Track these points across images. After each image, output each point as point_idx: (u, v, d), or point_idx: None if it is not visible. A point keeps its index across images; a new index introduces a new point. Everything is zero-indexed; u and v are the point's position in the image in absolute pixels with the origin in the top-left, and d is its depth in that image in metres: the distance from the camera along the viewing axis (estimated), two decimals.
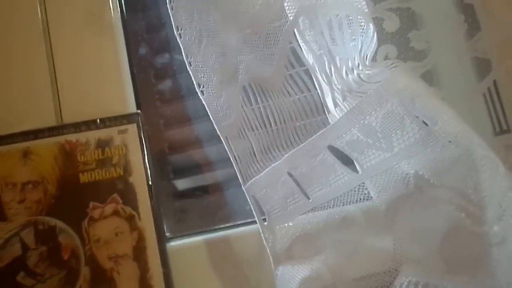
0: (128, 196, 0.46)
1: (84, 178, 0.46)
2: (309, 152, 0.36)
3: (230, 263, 0.49)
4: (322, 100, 0.39)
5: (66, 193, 0.46)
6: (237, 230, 0.51)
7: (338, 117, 0.35)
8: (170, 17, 0.42)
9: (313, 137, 0.36)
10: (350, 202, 0.38)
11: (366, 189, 0.38)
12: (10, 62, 0.50)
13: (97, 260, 0.44)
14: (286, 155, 0.38)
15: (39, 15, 0.50)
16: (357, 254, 0.37)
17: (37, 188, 0.46)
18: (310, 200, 0.38)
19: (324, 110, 0.41)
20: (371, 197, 0.38)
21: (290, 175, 0.39)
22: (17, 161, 0.47)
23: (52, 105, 0.50)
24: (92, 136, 0.48)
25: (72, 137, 0.48)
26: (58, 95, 0.51)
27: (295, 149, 0.37)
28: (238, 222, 0.53)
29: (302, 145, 0.37)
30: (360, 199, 0.38)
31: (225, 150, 0.47)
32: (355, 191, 0.38)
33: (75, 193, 0.46)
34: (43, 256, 0.44)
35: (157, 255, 0.45)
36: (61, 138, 0.48)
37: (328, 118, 0.40)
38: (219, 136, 0.47)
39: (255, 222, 0.48)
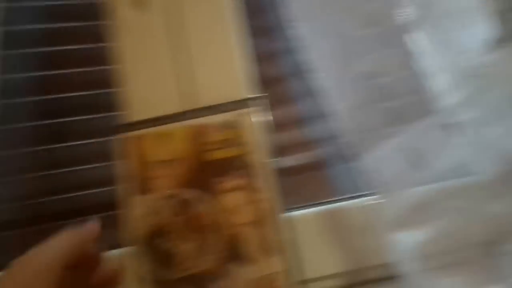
0: (251, 172, 0.52)
1: (211, 156, 0.53)
2: (426, 128, 0.40)
3: (339, 233, 0.55)
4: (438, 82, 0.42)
5: (198, 169, 0.53)
6: (345, 204, 0.56)
7: (456, 98, 0.39)
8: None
9: (432, 114, 0.39)
10: (464, 174, 0.41)
11: (480, 161, 0.41)
12: (148, 56, 0.58)
13: (225, 227, 0.51)
14: (402, 130, 0.42)
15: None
16: (472, 220, 0.40)
17: (174, 165, 0.54)
18: (423, 172, 0.42)
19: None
20: (485, 169, 0.41)
21: (405, 149, 0.43)
22: (157, 142, 0.55)
23: (184, 92, 0.58)
24: (219, 119, 0.55)
25: (201, 120, 0.55)
26: (189, 83, 0.58)
27: (412, 124, 0.41)
28: (345, 196, 0.58)
29: (419, 121, 0.40)
30: (474, 171, 0.41)
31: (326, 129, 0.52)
32: (469, 163, 0.41)
33: (204, 170, 0.53)
34: (182, 224, 0.52)
35: (276, 223, 0.51)
36: (192, 122, 0.55)
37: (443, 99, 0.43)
38: (320, 116, 0.52)
39: (360, 196, 0.53)
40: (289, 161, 0.64)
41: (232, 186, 0.52)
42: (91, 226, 0.45)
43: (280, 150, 0.62)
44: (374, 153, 0.45)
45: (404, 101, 0.44)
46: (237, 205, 0.51)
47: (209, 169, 0.52)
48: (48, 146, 0.65)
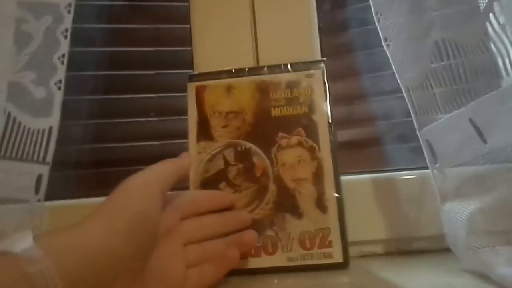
0: (311, 131, 0.54)
1: (275, 112, 0.56)
2: (497, 99, 0.41)
3: (389, 201, 0.56)
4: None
5: (260, 123, 0.56)
6: (399, 173, 0.58)
7: None
8: None
9: (504, 86, 0.41)
10: None
11: None
12: (219, 15, 0.61)
13: (283, 180, 0.54)
14: (472, 102, 0.44)
15: None
16: None
17: (237, 117, 0.56)
18: (487, 145, 0.44)
19: None
20: None
21: (472, 121, 0.44)
22: (222, 94, 0.57)
23: (252, 50, 0.60)
24: (283, 77, 0.57)
25: (266, 77, 0.57)
26: (256, 42, 0.61)
27: (483, 96, 0.43)
28: (400, 167, 0.60)
29: (491, 93, 0.42)
30: None
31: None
32: None
33: (267, 124, 0.55)
34: (240, 172, 0.54)
35: (332, 182, 0.53)
36: (257, 78, 0.57)
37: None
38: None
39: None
40: (347, 134, 0.65)
41: (294, 142, 0.54)
42: (185, 157, 0.48)
43: (340, 123, 0.64)
44: (435, 125, 0.45)
45: (472, 77, 0.45)
46: (297, 160, 0.53)
47: (272, 124, 0.55)
48: (117, 96, 0.67)
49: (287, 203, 0.52)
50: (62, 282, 0.31)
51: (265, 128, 0.55)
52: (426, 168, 0.50)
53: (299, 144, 0.54)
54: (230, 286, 0.48)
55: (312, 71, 0.56)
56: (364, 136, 0.67)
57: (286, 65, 0.56)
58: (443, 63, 0.47)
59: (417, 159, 0.54)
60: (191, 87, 0.57)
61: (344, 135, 0.65)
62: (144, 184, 0.40)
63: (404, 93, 0.49)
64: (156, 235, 0.40)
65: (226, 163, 0.54)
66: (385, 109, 0.66)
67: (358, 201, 0.56)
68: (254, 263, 0.51)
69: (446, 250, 0.51)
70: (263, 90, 0.56)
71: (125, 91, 0.69)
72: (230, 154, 0.54)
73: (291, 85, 0.55)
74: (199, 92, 0.57)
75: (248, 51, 0.61)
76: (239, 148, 0.54)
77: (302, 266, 0.51)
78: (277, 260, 0.51)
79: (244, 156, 0.54)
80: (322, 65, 0.56)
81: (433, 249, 0.57)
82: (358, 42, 0.68)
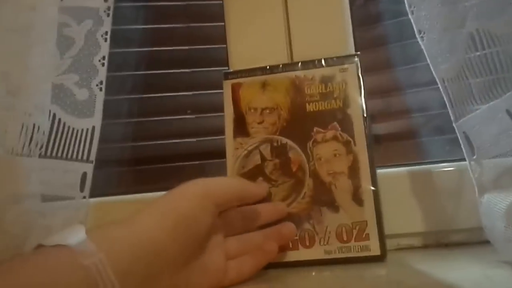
0: (346, 125, 0.55)
1: (310, 107, 0.56)
2: None
3: (426, 194, 0.56)
4: None
5: (295, 118, 0.56)
6: (436, 166, 0.57)
7: None
8: None
9: None
10: None
11: None
12: (252, 12, 0.62)
13: (319, 174, 0.54)
14: (509, 93, 0.43)
15: None
16: None
17: (273, 113, 0.57)
18: None
19: None
20: None
21: (509, 112, 0.44)
22: (257, 90, 0.58)
23: (285, 46, 0.61)
24: (318, 73, 0.57)
25: (301, 73, 0.58)
26: (290, 38, 0.62)
27: None
28: (437, 160, 0.60)
29: None
30: None
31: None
32: None
33: (302, 119, 0.56)
34: (277, 167, 0.55)
35: (368, 176, 0.53)
36: (292, 74, 0.58)
37: None
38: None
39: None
40: (382, 127, 0.65)
41: (329, 137, 0.54)
42: (261, 187, 0.51)
43: (375, 117, 0.64)
44: (472, 116, 0.45)
45: (508, 67, 0.44)
46: (332, 155, 0.54)
47: (307, 119, 0.55)
48: (155, 95, 0.70)
49: (323, 197, 0.53)
50: (114, 274, 0.32)
51: (300, 123, 0.56)
52: (464, 160, 0.49)
53: (335, 138, 0.54)
54: (268, 278, 0.49)
55: (346, 66, 0.56)
56: (400, 129, 0.66)
57: (320, 60, 0.57)
58: (478, 53, 0.46)
59: (454, 151, 0.53)
60: (227, 84, 0.58)
61: (380, 128, 0.65)
62: (202, 196, 0.42)
63: (439, 85, 0.49)
64: (204, 237, 0.42)
65: (263, 158, 0.55)
66: (420, 101, 0.65)
67: (395, 194, 0.56)
68: (291, 256, 0.52)
69: (484, 243, 0.51)
70: (297, 85, 0.57)
71: (162, 90, 0.71)
72: (266, 149, 0.56)
73: (325, 80, 0.56)
74: (234, 89, 0.58)
75: (282, 47, 0.62)
76: (275, 144, 0.55)
77: (340, 259, 0.52)
78: (315, 253, 0.52)
79: (280, 151, 0.55)
80: (356, 59, 0.56)
81: (471, 241, 0.57)
82: (392, 35, 0.67)
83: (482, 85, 0.46)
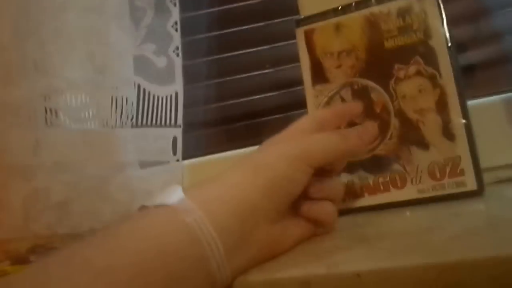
0: (429, 58, 0.52)
1: (388, 44, 0.54)
2: None
3: None
4: None
5: (374, 58, 0.54)
6: None
7: None
8: None
9: None
10: None
11: None
12: None
13: (404, 113, 0.52)
14: None
15: None
16: None
17: (350, 55, 0.55)
18: None
19: None
20: None
21: None
22: (331, 34, 0.56)
23: None
24: (393, 6, 0.54)
25: (375, 9, 0.55)
26: None
27: None
28: None
29: None
30: None
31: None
32: None
33: (382, 58, 0.54)
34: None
35: (458, 109, 0.50)
36: (366, 11, 0.55)
37: None
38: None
39: None
40: (470, 55, 0.61)
41: (412, 72, 0.52)
42: (365, 133, 0.49)
43: (460, 45, 0.60)
44: None
45: None
46: (417, 91, 0.51)
47: (388, 56, 0.53)
48: (231, 53, 0.70)
49: (411, 136, 0.52)
50: (213, 230, 0.34)
51: (379, 62, 0.54)
52: None
53: (418, 73, 0.52)
54: (360, 223, 0.49)
55: None
56: (491, 55, 0.62)
57: None
58: None
59: None
60: (300, 32, 0.57)
61: (470, 56, 0.61)
62: (298, 158, 0.41)
63: None
64: (297, 195, 0.42)
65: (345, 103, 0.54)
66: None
67: (490, 125, 0.53)
68: (383, 198, 0.52)
69: None
70: (373, 23, 0.54)
71: (238, 47, 0.71)
72: (347, 93, 0.54)
73: (402, 13, 0.53)
74: (308, 36, 0.57)
75: None
76: (355, 87, 0.54)
77: (434, 197, 0.50)
78: (407, 193, 0.51)
79: (361, 93, 0.54)
80: None
81: None
82: None
83: None
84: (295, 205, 0.42)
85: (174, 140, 0.66)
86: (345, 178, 0.53)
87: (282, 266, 0.37)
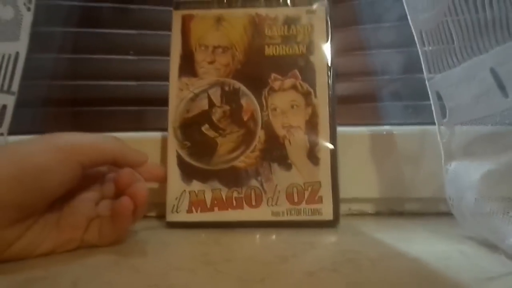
0: (307, 74, 0.48)
1: (269, 51, 0.49)
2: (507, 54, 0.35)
3: (388, 157, 0.51)
4: None
5: (252, 62, 0.49)
6: (399, 128, 0.52)
7: None
8: None
9: None
10: None
11: None
12: None
13: (272, 126, 0.48)
14: (497, 48, 0.38)
15: None
16: None
17: (226, 53, 0.49)
18: (508, 99, 0.38)
19: None
20: None
21: (493, 71, 0.38)
22: (211, 26, 0.50)
23: None
24: (281, 12, 0.50)
25: (262, 11, 0.50)
26: None
27: (509, 42, 0.36)
28: (400, 121, 0.54)
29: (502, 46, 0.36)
30: None
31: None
32: None
33: (259, 63, 0.49)
34: (226, 114, 0.48)
35: (327, 132, 0.47)
36: (252, 10, 0.50)
37: None
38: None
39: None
40: (344, 87, 0.59)
41: (288, 86, 0.48)
42: (142, 159, 0.42)
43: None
44: (448, 73, 0.40)
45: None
46: (289, 106, 0.47)
47: (266, 64, 0.49)
48: (96, 30, 0.61)
49: (275, 152, 0.47)
50: None
51: (256, 67, 0.49)
52: (427, 124, 0.45)
53: (293, 87, 0.48)
54: (204, 240, 0.44)
55: (313, 7, 0.49)
56: (362, 91, 0.61)
57: None
58: None
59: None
60: (177, 15, 0.50)
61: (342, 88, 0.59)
62: (65, 150, 0.36)
63: (416, 39, 0.43)
64: (56, 192, 0.36)
65: (211, 103, 0.48)
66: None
67: (353, 155, 0.51)
68: (235, 215, 0.46)
69: (440, 214, 0.49)
70: (257, 24, 0.49)
71: (103, 25, 0.62)
72: (215, 93, 0.48)
73: (289, 21, 0.49)
74: (185, 21, 0.50)
75: None
76: (226, 88, 0.48)
77: (288, 222, 0.47)
78: (261, 214, 0.46)
79: (231, 97, 0.48)
80: (326, 1, 0.49)
81: (425, 212, 0.54)
82: None
83: (465, 38, 0.40)
84: (64, 215, 0.38)
85: (3, 109, 0.53)
86: (196, 187, 0.45)
87: None
